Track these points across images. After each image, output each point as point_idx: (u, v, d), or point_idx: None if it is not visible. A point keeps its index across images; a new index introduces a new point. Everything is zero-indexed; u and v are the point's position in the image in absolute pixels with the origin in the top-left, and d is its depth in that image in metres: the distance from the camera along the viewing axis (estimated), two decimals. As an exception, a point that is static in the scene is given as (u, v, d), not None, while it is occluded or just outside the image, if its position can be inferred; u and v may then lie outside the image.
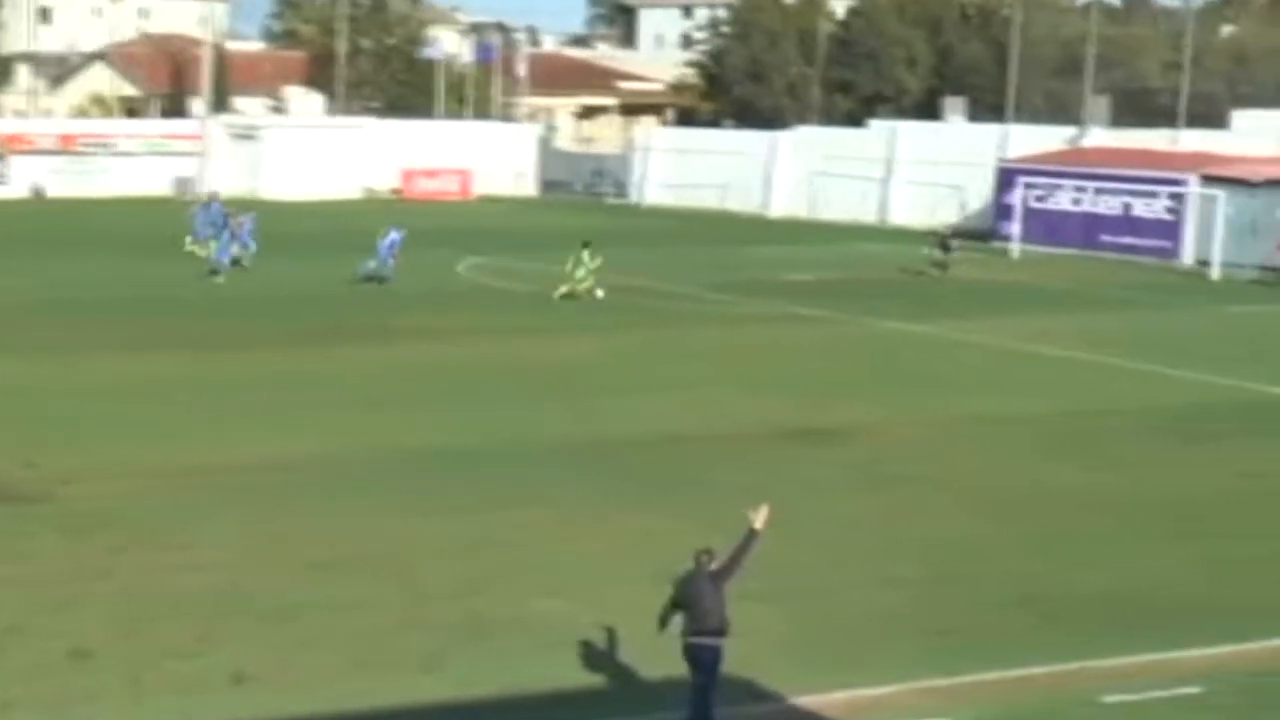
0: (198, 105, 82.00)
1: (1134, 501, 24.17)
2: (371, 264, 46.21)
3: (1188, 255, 58.88)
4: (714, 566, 14.69)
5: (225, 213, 50.72)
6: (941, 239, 52.97)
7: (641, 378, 33.15)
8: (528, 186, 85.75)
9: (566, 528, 21.68)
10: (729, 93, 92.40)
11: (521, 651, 16.96)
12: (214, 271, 46.04)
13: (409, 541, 20.75)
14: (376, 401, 29.84)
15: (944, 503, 23.69)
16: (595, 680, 16.42)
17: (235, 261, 47.42)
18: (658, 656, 16.59)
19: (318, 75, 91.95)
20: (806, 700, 15.73)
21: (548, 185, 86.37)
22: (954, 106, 77.67)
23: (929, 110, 79.64)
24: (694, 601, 14.60)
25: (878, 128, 76.77)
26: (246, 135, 79.06)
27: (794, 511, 15.11)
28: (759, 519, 14.83)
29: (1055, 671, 16.78)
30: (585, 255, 44.05)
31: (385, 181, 79.32)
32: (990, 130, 71.91)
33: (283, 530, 21.09)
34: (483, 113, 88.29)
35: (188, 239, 51.64)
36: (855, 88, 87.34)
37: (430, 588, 18.94)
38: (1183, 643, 17.63)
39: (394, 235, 46.55)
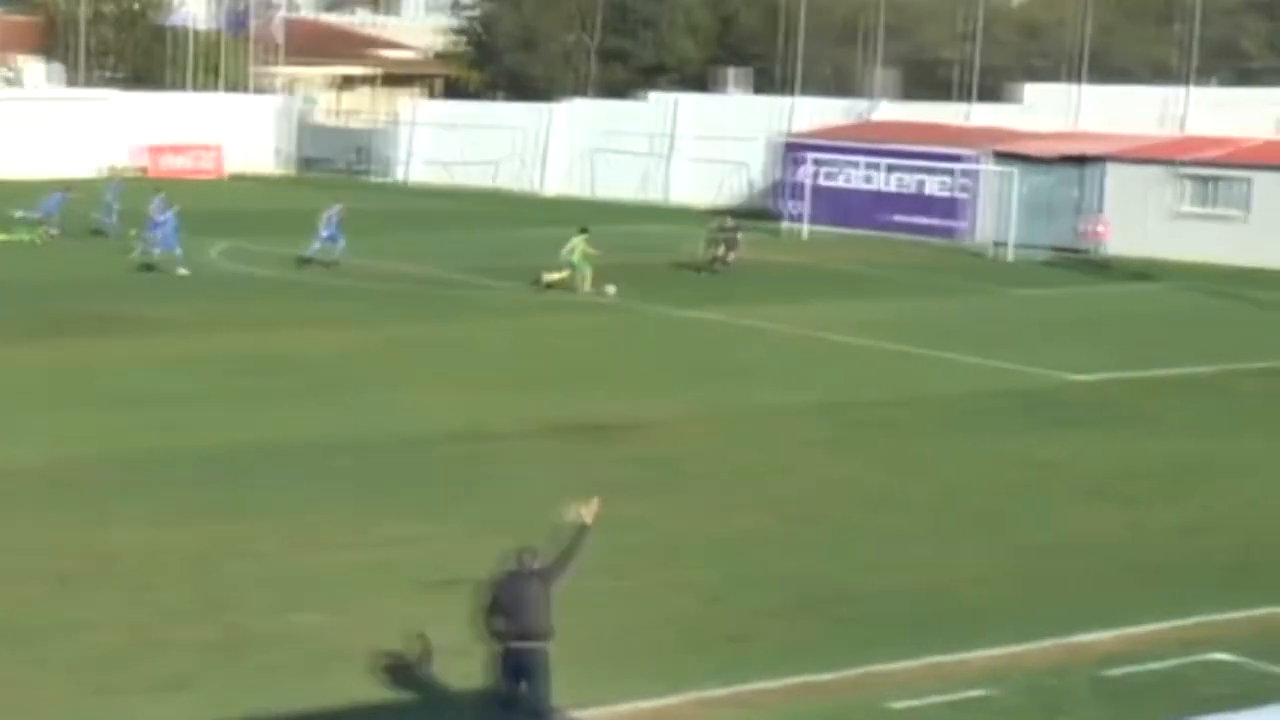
0: (-82, 75, 79.77)
1: (924, 496, 24.64)
2: (316, 245, 45.87)
3: (981, 235, 60.12)
4: (537, 565, 14.55)
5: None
6: (726, 232, 50.04)
7: (408, 371, 32.95)
8: (285, 164, 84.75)
9: (323, 535, 21.46)
10: (499, 62, 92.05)
11: (278, 669, 16.75)
12: (148, 267, 44.90)
13: (150, 553, 20.35)
14: (116, 400, 29.27)
15: (733, 501, 23.91)
16: (362, 696, 16.26)
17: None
18: (430, 668, 16.53)
19: (54, 43, 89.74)
20: (587, 715, 15.76)
21: (307, 162, 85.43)
22: (737, 78, 78.27)
23: (712, 82, 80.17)
24: (518, 604, 14.38)
25: (657, 100, 77.21)
26: (-27, 109, 76.99)
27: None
28: (589, 513, 14.74)
29: (840, 678, 17.03)
30: (580, 241, 43.51)
31: (129, 159, 77.80)
32: (776, 103, 72.63)
33: (9, 543, 20.58)
34: (235, 84, 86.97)
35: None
36: (633, 57, 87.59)
37: (175, 602, 18.62)
38: (970, 644, 17.98)
39: (328, 212, 46.66)
